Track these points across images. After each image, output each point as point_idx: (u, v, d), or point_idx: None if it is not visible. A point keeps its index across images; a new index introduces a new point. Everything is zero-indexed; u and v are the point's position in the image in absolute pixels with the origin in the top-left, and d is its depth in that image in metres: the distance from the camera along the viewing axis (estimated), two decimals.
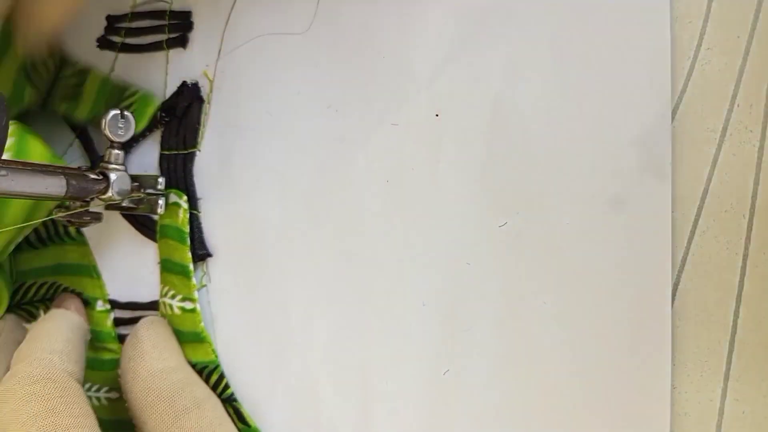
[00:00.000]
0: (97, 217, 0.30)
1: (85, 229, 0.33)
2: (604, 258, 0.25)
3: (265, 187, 0.30)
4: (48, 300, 0.33)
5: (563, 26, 0.26)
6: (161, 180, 0.30)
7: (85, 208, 0.28)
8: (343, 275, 0.28)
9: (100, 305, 0.32)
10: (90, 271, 0.33)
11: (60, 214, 0.29)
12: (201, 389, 0.27)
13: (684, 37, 0.25)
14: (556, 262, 0.26)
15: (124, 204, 0.30)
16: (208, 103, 0.31)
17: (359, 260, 0.28)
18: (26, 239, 0.33)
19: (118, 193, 0.28)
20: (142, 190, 0.30)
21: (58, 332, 0.28)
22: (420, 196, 0.27)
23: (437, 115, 0.27)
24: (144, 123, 0.32)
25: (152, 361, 0.27)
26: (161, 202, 0.30)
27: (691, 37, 0.25)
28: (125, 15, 0.33)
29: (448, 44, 0.27)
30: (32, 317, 0.33)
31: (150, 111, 0.32)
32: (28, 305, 0.33)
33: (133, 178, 0.30)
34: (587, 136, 0.25)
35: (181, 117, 0.31)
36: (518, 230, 0.26)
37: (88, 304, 0.33)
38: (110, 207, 0.31)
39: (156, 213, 0.30)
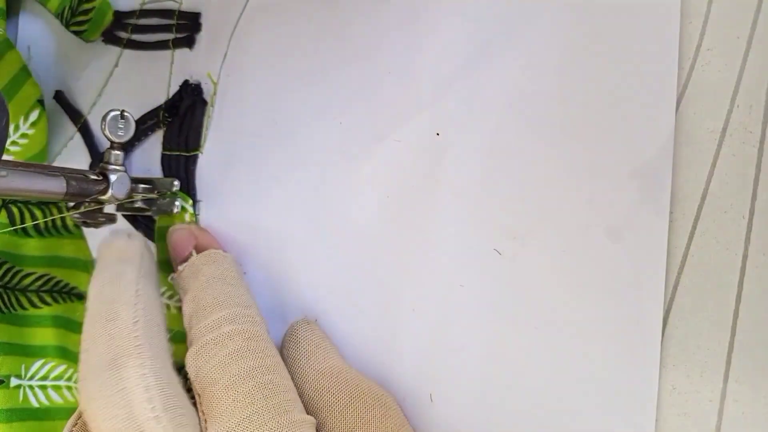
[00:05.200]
0: (111, 218, 0.30)
1: (85, 229, 0.33)
2: (598, 273, 0.25)
3: (266, 194, 0.30)
4: (42, 292, 0.33)
5: (567, 51, 0.26)
6: (176, 183, 0.30)
7: (98, 207, 0.28)
8: (340, 284, 0.28)
9: None
10: (86, 266, 0.33)
11: (73, 212, 0.29)
12: (376, 387, 0.26)
13: (684, 37, 0.24)
14: (550, 289, 0.25)
15: (137, 205, 0.30)
16: (212, 105, 0.31)
17: (355, 271, 0.28)
18: (23, 227, 0.33)
19: (117, 194, 0.28)
20: (156, 192, 0.30)
21: (238, 281, 0.27)
22: (418, 212, 0.27)
23: (438, 134, 0.27)
24: (97, 33, 0.33)
25: (318, 361, 0.26)
26: (178, 203, 0.30)
27: (691, 37, 0.24)
28: (133, 11, 0.33)
29: (453, 64, 0.27)
30: (20, 306, 0.32)
31: (106, 21, 0.33)
32: (18, 291, 0.33)
33: (148, 181, 0.30)
34: (588, 163, 0.25)
35: (183, 117, 0.31)
36: (514, 254, 0.26)
37: (83, 298, 0.33)
38: (121, 208, 0.31)
39: (171, 213, 0.30)
